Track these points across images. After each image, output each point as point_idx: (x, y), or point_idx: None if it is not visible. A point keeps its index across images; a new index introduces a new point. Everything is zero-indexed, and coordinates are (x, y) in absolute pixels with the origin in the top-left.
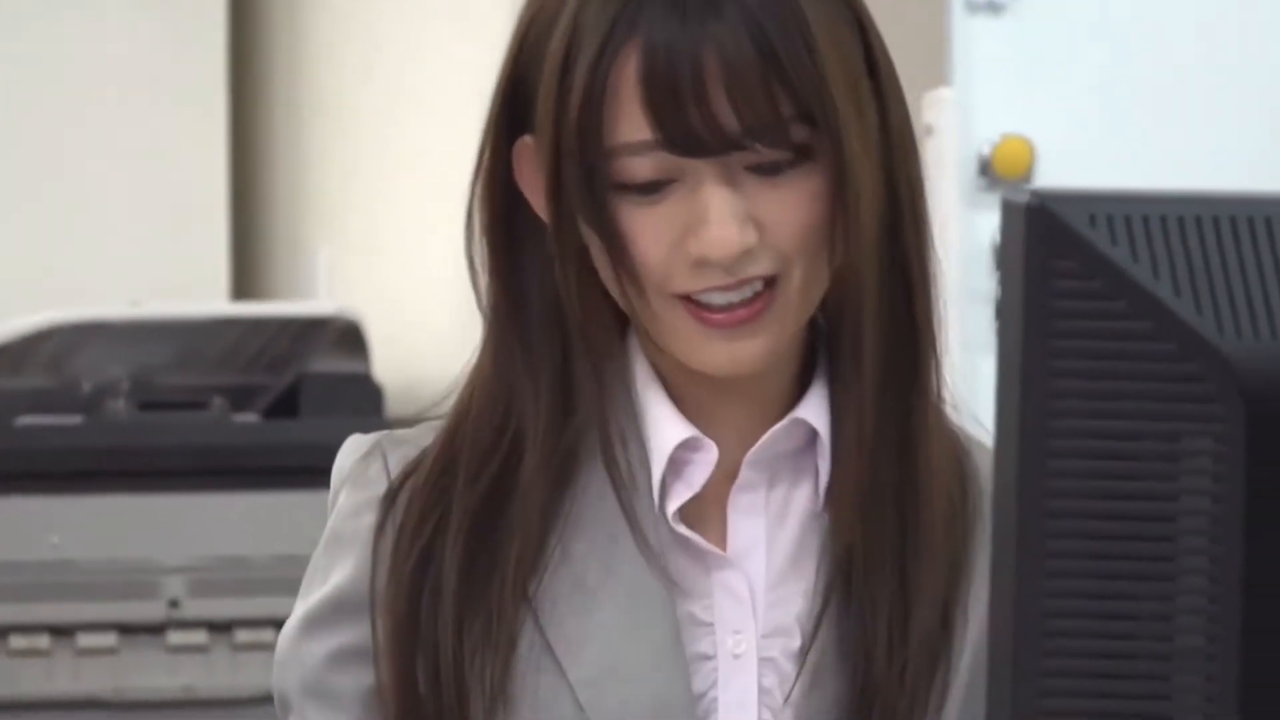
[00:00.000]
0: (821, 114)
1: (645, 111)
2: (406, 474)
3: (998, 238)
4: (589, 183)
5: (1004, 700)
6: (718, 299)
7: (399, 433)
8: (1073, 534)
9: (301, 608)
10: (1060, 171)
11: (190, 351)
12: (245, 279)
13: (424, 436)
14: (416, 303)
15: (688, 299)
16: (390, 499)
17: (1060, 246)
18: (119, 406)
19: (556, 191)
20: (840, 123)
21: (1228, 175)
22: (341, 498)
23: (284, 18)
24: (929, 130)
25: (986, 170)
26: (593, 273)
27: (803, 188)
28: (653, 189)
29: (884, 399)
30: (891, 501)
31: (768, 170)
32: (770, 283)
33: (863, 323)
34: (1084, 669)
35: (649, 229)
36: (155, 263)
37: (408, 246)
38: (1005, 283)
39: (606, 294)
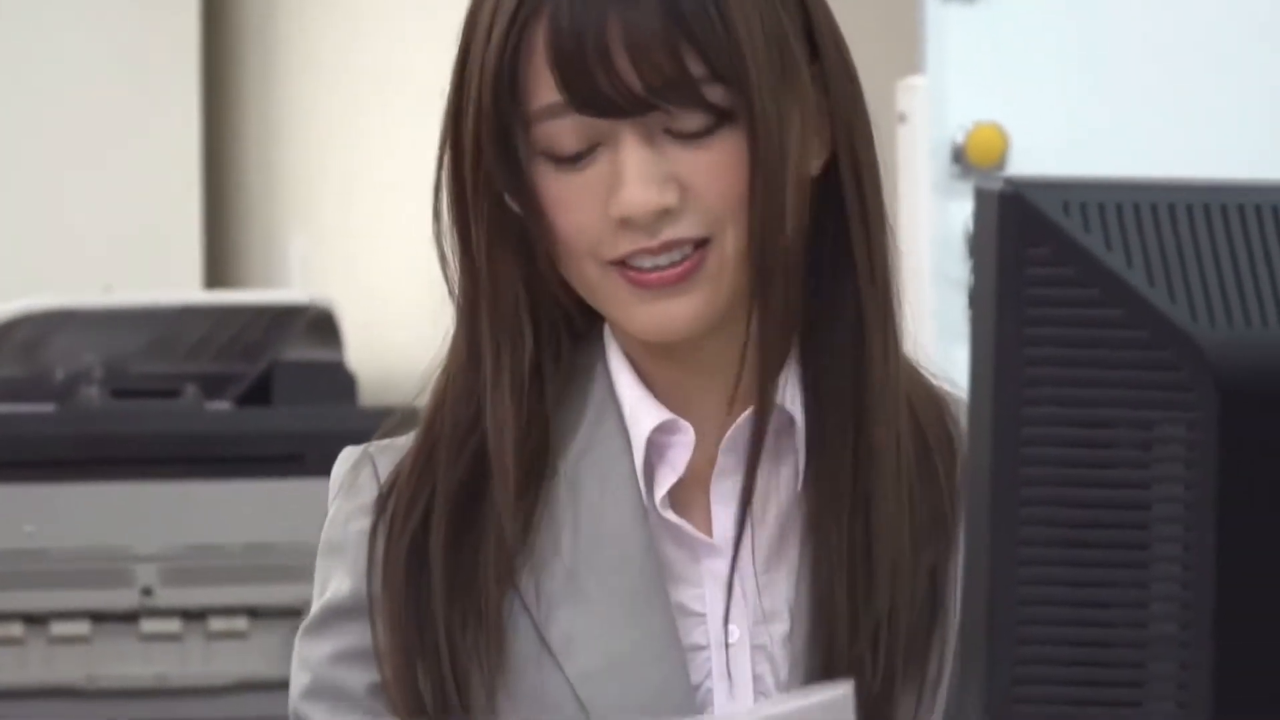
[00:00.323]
0: (733, 74)
1: (553, 74)
2: (396, 477)
3: (971, 225)
4: (504, 149)
5: (978, 687)
6: (646, 262)
7: (387, 440)
8: (1046, 521)
9: (304, 620)
10: (1033, 159)
11: (163, 339)
12: (218, 267)
13: (411, 442)
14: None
15: (622, 265)
16: (383, 502)
17: (1034, 234)
18: (92, 394)
19: (476, 159)
20: (751, 82)
21: (1202, 163)
22: (333, 508)
23: (258, 5)
24: (902, 118)
25: (960, 158)
26: (517, 252)
27: (729, 150)
28: (577, 158)
29: (827, 374)
30: (848, 476)
31: (688, 133)
32: (702, 245)
33: (784, 294)
34: (1058, 656)
35: (574, 195)
36: (128, 250)
37: (381, 235)
38: (979, 270)
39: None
